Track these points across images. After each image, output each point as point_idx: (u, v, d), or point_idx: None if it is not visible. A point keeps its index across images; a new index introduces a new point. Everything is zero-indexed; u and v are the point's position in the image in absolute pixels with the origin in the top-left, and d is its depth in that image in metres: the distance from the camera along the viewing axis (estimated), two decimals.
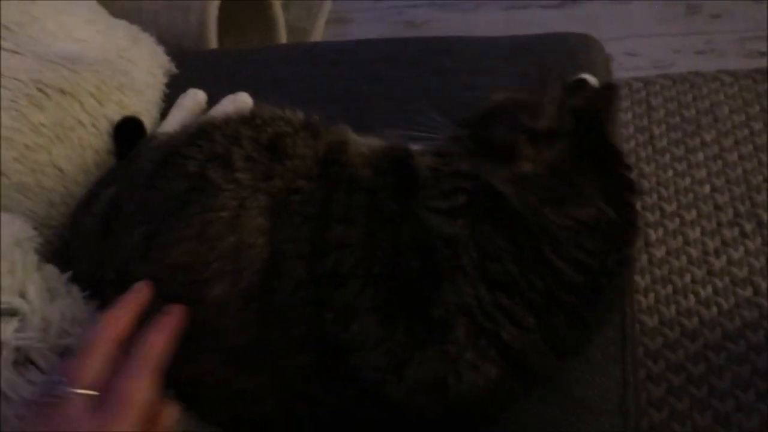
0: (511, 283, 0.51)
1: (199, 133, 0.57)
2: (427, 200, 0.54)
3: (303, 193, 0.53)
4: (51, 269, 0.58)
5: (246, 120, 0.58)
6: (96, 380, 0.43)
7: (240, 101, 0.88)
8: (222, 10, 1.25)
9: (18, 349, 0.49)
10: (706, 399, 1.05)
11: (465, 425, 0.54)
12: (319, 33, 1.83)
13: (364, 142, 0.60)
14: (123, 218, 0.56)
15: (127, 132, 0.77)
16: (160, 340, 0.47)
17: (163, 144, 0.61)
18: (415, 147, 0.65)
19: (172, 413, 0.48)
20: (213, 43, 1.18)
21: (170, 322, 0.48)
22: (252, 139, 0.55)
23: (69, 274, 0.57)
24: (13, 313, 0.51)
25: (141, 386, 0.44)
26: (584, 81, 0.81)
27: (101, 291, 0.55)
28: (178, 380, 0.50)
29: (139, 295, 0.50)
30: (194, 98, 0.89)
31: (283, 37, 1.50)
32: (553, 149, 0.54)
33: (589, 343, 0.58)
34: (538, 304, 0.51)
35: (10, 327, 0.50)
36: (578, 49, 0.90)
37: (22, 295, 0.53)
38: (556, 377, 0.57)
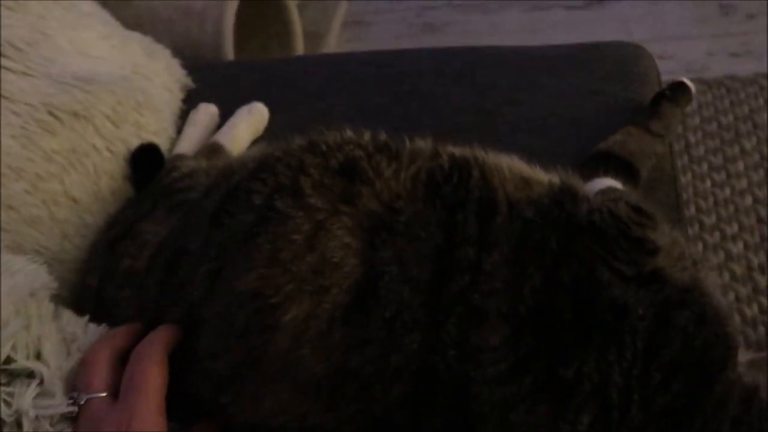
0: (672, 414, 0.44)
1: (261, 166, 0.53)
2: (607, 254, 0.47)
3: (406, 213, 0.48)
4: (68, 316, 0.53)
5: (308, 148, 0.53)
6: (106, 384, 0.47)
7: (256, 112, 0.84)
8: (238, 17, 1.19)
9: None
10: None
11: None
12: (334, 36, 1.77)
13: (513, 165, 0.55)
14: (186, 259, 0.52)
15: (145, 159, 0.71)
16: (162, 333, 0.49)
17: (222, 181, 0.57)
18: (611, 183, 0.59)
19: None
20: (230, 53, 1.12)
21: (167, 329, 0.50)
22: (320, 166, 0.51)
23: (87, 317, 0.53)
24: (29, 374, 0.46)
25: (152, 370, 0.46)
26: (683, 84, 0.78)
27: None
28: (245, 422, 0.48)
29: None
30: (206, 113, 0.84)
31: (300, 44, 1.44)
32: None
33: None
34: None
35: (29, 393, 0.44)
36: (628, 60, 0.83)
37: (38, 354, 0.47)
38: None
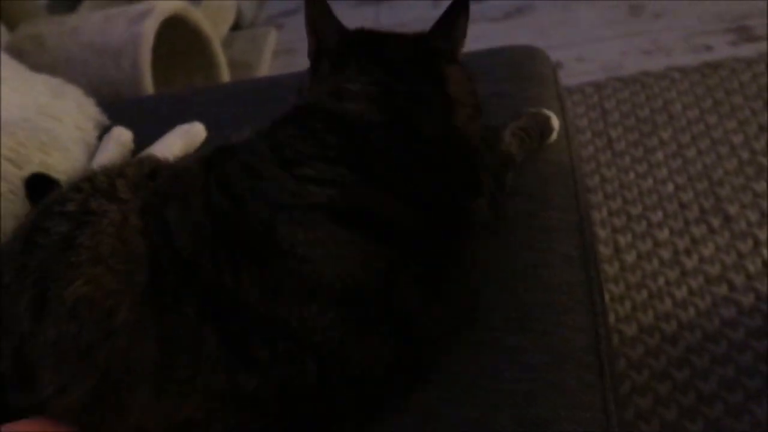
0: None
1: (82, 179, 0.56)
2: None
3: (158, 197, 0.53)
4: None
5: (133, 162, 0.60)
6: None
7: (195, 132, 0.85)
8: (162, 53, 1.21)
9: None
10: (694, 405, 1.02)
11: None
12: (265, 66, 1.80)
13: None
14: (3, 295, 0.49)
15: (40, 186, 0.70)
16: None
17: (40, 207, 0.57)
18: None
19: None
20: (149, 87, 1.13)
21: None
22: (135, 171, 0.57)
23: None
24: None
25: None
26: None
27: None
28: None
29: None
30: (118, 140, 0.84)
31: (225, 74, 1.46)
32: None
33: None
34: None
35: None
36: (524, 62, 0.87)
37: None
38: (534, 418, 0.53)
